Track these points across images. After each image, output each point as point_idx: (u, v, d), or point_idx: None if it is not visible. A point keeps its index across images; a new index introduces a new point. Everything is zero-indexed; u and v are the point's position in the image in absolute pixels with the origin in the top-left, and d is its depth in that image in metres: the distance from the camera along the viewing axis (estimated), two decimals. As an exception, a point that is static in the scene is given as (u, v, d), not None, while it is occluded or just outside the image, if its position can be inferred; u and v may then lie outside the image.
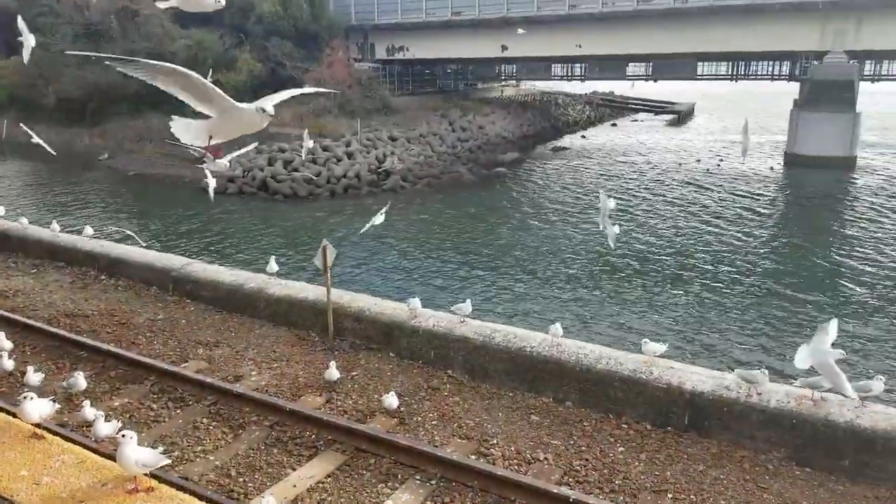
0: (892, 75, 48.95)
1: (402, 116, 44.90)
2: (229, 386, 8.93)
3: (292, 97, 5.38)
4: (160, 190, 34.77)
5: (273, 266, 12.08)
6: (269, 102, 4.68)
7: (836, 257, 22.98)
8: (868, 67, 48.13)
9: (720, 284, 19.84)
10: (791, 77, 47.84)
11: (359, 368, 9.83)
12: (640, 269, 21.20)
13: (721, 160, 43.49)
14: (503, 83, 66.80)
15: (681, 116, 71.08)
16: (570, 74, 60.68)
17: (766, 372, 7.87)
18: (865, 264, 21.86)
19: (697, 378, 8.22)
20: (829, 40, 38.80)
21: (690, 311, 17.65)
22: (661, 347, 8.73)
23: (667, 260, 22.50)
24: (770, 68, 50.87)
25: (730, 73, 52.70)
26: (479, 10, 48.06)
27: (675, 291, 19.10)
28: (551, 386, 8.99)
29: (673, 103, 74.57)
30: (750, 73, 52.31)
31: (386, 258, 22.67)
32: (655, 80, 55.00)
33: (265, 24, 47.20)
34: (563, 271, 21.20)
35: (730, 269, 21.47)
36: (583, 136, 57.11)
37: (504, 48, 48.60)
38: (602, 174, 39.69)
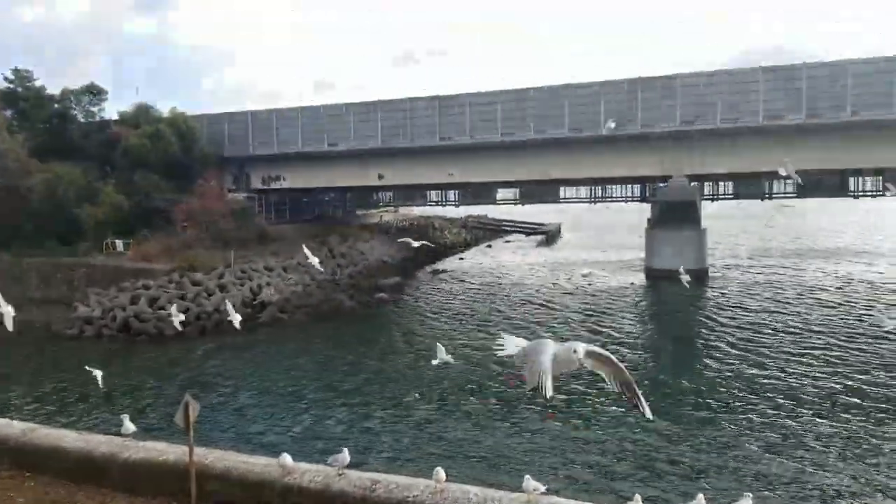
0: (728, 195, 55.06)
1: (279, 245, 44.41)
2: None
3: None
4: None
5: (128, 426, 10.97)
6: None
7: (698, 365, 24.27)
8: (707, 188, 53.92)
9: (595, 407, 20.17)
10: (643, 199, 52.60)
11: (225, 538, 8.85)
12: (516, 395, 21.22)
13: (589, 275, 46.07)
14: (382, 209, 68.50)
15: (549, 236, 75.45)
16: (444, 200, 63.44)
17: (640, 500, 7.86)
18: (726, 370, 23.21)
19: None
20: (670, 167, 43.17)
21: (577, 438, 17.66)
22: (542, 486, 8.55)
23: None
24: (624, 191, 55.80)
25: (589, 196, 57.18)
26: (354, 141, 49.73)
27: (557, 420, 19.19)
28: (436, 540, 8.46)
29: (542, 224, 79.20)
30: (607, 195, 57.04)
31: (258, 405, 21.32)
32: (523, 204, 58.47)
33: (132, 157, 46.16)
34: (447, 405, 20.81)
35: (603, 388, 22.00)
36: (461, 259, 58.90)
37: (380, 177, 50.13)
38: (479, 295, 40.63)
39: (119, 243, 40.89)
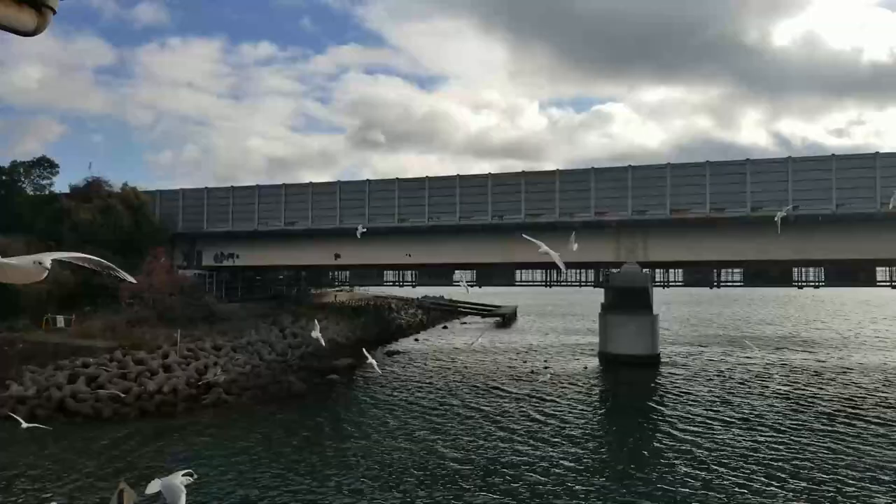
0: (678, 282, 56.47)
1: (229, 324, 43.28)
2: None
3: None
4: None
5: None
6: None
7: (645, 452, 24.00)
8: (658, 275, 55.26)
9: (542, 486, 19.68)
10: (597, 284, 53.43)
11: None
12: (481, 475, 20.58)
13: (546, 360, 45.93)
14: (337, 289, 67.87)
15: (505, 318, 75.55)
16: (401, 281, 63.28)
17: None
18: (678, 451, 23.00)
19: None
20: (623, 253, 44.24)
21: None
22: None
23: (507, 464, 22.18)
24: (579, 276, 56.66)
25: (544, 280, 57.87)
26: (312, 220, 49.70)
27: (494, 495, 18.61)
28: None
29: (498, 306, 79.48)
30: (562, 280, 57.80)
31: (199, 493, 20.09)
32: (480, 286, 58.70)
33: (81, 232, 45.01)
34: (404, 490, 20.02)
35: (562, 467, 21.55)
36: (416, 340, 58.27)
37: (337, 256, 49.95)
38: (433, 378, 39.94)
39: (60, 319, 39.23)
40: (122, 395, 29.12)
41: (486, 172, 47.32)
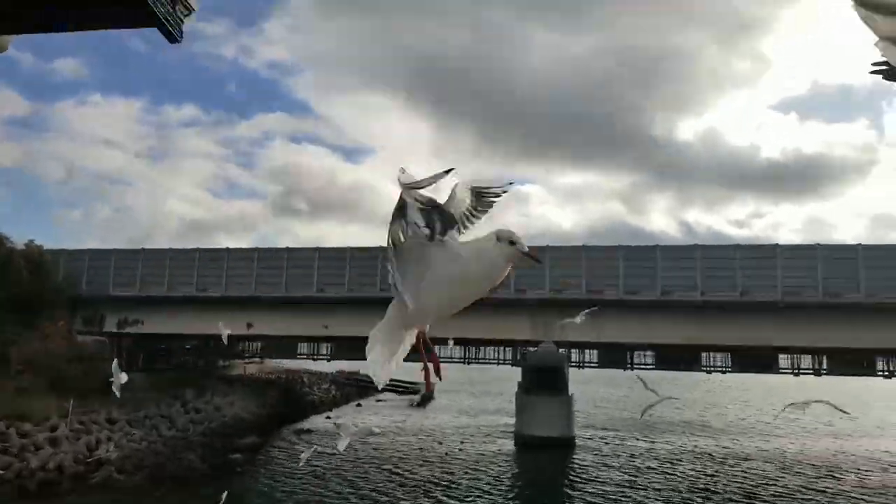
0: (592, 363, 57.46)
1: (128, 396, 40.38)
2: None
3: None
4: None
5: None
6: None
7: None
8: (574, 355, 56.09)
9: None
10: (514, 362, 53.64)
11: None
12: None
13: (462, 441, 45.08)
14: (247, 360, 65.15)
15: (423, 397, 74.22)
16: (316, 353, 61.49)
17: None
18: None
19: None
20: (539, 332, 44.71)
21: None
22: None
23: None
24: (496, 354, 56.87)
25: (463, 356, 57.67)
26: (226, 287, 47.98)
27: None
28: None
29: (415, 383, 78.10)
30: (480, 357, 57.82)
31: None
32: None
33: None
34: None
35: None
36: (327, 418, 56.11)
37: (250, 325, 48.12)
38: (344, 458, 38.34)
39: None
40: (1, 472, 26.44)
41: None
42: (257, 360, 66.39)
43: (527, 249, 3.10)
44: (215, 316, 48.68)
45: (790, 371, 49.51)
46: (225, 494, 9.25)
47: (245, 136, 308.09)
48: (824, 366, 48.99)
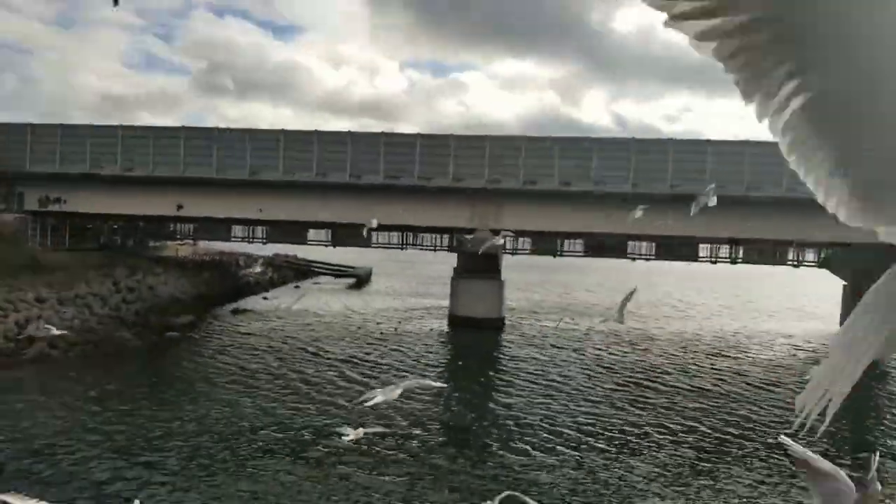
0: (525, 250, 59.17)
1: (56, 275, 39.47)
2: None
3: None
4: None
5: None
6: None
7: (493, 406, 25.43)
8: (508, 243, 57.50)
9: (394, 444, 20.22)
10: (450, 248, 54.71)
11: None
12: (317, 437, 20.59)
13: (399, 322, 46.60)
14: (179, 242, 63.94)
15: (360, 280, 75.39)
16: (251, 237, 60.76)
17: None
18: (513, 407, 24.54)
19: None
20: (476, 220, 45.57)
21: (370, 471, 17.48)
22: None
23: (349, 420, 22.34)
24: (433, 240, 57.67)
25: (400, 242, 58.27)
26: (153, 167, 46.28)
27: (346, 460, 18.87)
28: None
29: (353, 267, 78.98)
30: (417, 243, 58.51)
31: (16, 452, 18.40)
32: (335, 246, 57.92)
33: None
34: (243, 451, 19.56)
35: (403, 425, 22.15)
36: (264, 298, 56.57)
37: (180, 207, 47.02)
38: (282, 337, 39.19)
39: None
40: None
41: (346, 130, 46.56)
42: (190, 242, 65.19)
43: None
44: (144, 196, 47.47)
45: (709, 259, 52.55)
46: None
47: (164, 5, 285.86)
48: (740, 255, 52.23)
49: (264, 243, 60.65)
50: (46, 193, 47.51)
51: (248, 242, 61.64)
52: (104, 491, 16.00)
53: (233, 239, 61.92)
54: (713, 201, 16.42)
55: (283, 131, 46.79)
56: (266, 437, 20.70)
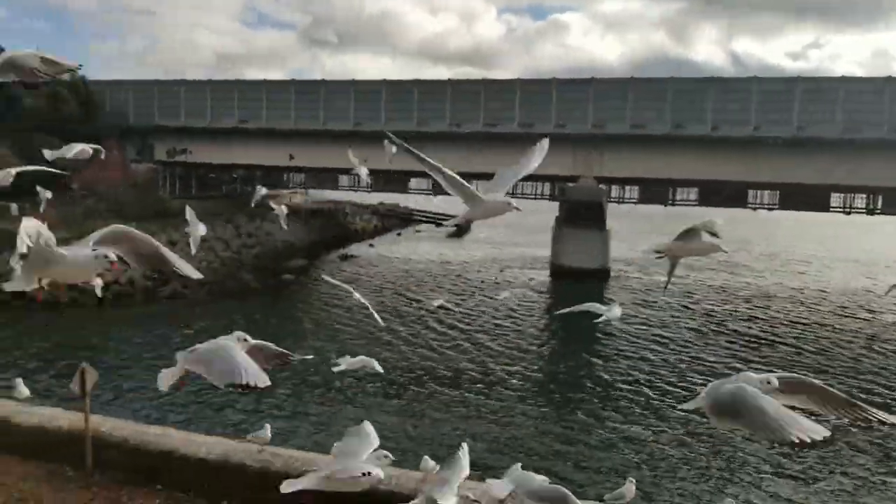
0: (632, 199, 57.36)
1: (183, 220, 42.61)
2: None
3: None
4: None
5: (22, 390, 10.40)
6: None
7: (599, 360, 25.38)
8: (614, 191, 56.03)
9: (494, 393, 20.72)
10: (552, 197, 54.03)
11: (120, 508, 8.59)
12: (421, 377, 21.47)
13: (501, 271, 46.84)
14: (292, 191, 66.98)
15: (460, 229, 76.14)
16: (357, 185, 62.63)
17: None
18: (626, 365, 24.43)
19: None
20: (579, 167, 44.68)
21: (474, 421, 18.09)
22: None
23: (451, 368, 23.17)
24: (534, 189, 57.13)
25: (502, 191, 58.14)
26: (266, 119, 48.46)
27: (455, 404, 19.55)
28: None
29: (454, 216, 79.68)
30: (517, 192, 58.06)
31: (156, 377, 20.49)
32: (436, 195, 58.66)
33: (30, 119, 43.27)
34: (349, 386, 20.76)
35: (506, 374, 22.68)
36: (370, 245, 58.60)
37: (291, 157, 49.13)
38: (385, 283, 40.55)
39: (14, 207, 38.09)
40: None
41: (445, 78, 46.60)
42: (301, 191, 68.19)
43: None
44: (258, 147, 49.97)
45: (842, 210, 48.09)
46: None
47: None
48: (878, 205, 47.08)
49: (369, 191, 62.40)
50: (174, 146, 51.06)
51: (354, 191, 63.65)
52: (222, 418, 17.55)
53: (340, 188, 64.14)
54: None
55: (385, 81, 47.47)
56: (364, 374, 21.76)
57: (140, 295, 31.04)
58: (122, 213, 39.00)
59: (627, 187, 56.81)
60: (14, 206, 38.13)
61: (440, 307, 25.50)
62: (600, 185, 46.92)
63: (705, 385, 4.25)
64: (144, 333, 25.58)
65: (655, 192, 54.50)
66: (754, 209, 50.41)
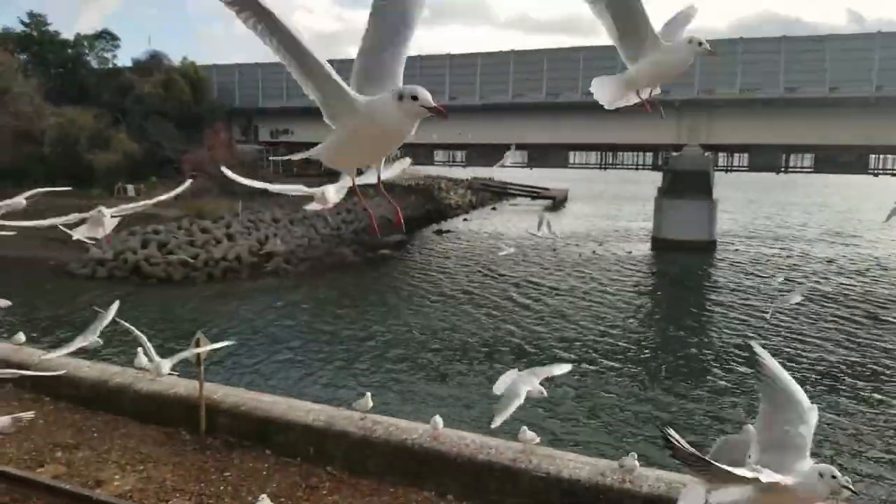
0: (742, 167, 54.29)
1: (286, 198, 44.40)
2: (88, 492, 8.08)
3: None
4: (16, 275, 31.64)
5: (141, 360, 11.24)
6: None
7: (704, 337, 24.43)
8: (721, 159, 53.24)
9: (598, 368, 20.45)
10: (654, 167, 52.03)
11: (232, 469, 9.16)
12: (519, 355, 21.45)
13: (600, 244, 45.62)
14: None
15: (556, 202, 74.99)
16: (452, 160, 62.84)
17: (635, 456, 8.05)
18: (729, 341, 23.41)
19: (574, 465, 8.27)
20: (684, 135, 42.74)
21: (569, 395, 17.92)
22: (537, 437, 8.77)
23: (547, 345, 23.00)
24: (635, 159, 55.21)
25: (599, 162, 56.62)
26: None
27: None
28: (433, 479, 8.73)
29: (548, 189, 78.62)
30: (617, 162, 56.43)
31: (266, 348, 21.71)
32: (531, 168, 57.98)
33: (145, 104, 46.14)
34: (447, 359, 21.10)
35: (607, 352, 22.26)
36: (465, 220, 58.81)
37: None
38: (482, 259, 40.55)
39: (130, 188, 41.14)
40: (191, 260, 30.89)
41: (539, 49, 45.59)
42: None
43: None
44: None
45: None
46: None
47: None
48: None
49: (464, 166, 62.47)
50: (276, 126, 53.08)
51: (449, 166, 63.92)
52: (325, 391, 18.27)
53: (435, 163, 64.56)
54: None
55: (479, 54, 47.08)
56: (461, 347, 22.09)
57: (246, 270, 32.71)
58: (230, 192, 41.13)
59: (736, 154, 53.80)
60: (130, 188, 41.26)
61: (506, 257, 25.42)
62: (706, 153, 44.70)
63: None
64: (253, 308, 26.99)
65: (767, 159, 51.30)
66: (876, 175, 46.34)
